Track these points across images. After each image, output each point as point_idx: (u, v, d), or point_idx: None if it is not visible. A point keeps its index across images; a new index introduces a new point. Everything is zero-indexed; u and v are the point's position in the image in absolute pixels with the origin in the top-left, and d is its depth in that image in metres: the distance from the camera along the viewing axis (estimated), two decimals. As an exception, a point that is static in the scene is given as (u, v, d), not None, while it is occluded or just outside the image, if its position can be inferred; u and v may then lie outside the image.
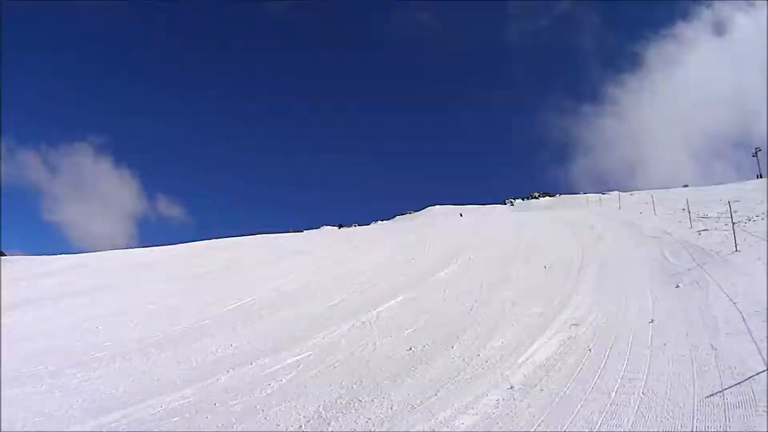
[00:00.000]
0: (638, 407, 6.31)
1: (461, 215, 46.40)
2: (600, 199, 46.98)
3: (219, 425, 7.04)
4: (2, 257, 36.05)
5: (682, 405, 6.20)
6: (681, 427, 5.68)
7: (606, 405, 6.50)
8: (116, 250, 34.05)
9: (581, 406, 6.57)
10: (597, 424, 6.01)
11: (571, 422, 6.13)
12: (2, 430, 7.18)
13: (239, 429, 6.91)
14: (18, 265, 27.53)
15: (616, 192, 54.37)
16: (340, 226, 62.13)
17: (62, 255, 32.09)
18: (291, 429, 6.79)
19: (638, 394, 6.70)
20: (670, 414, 5.99)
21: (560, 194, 76.96)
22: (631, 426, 5.85)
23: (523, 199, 79.98)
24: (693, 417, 5.87)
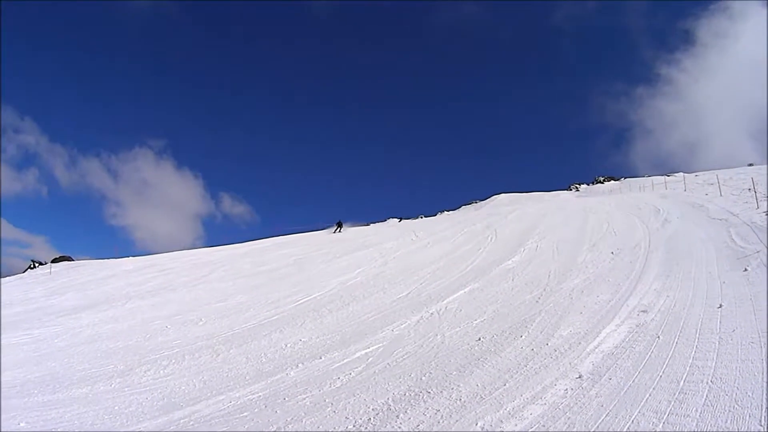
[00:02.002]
0: (707, 396, 6.41)
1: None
2: (665, 182, 46.20)
3: (288, 419, 7.35)
4: (69, 262, 37.83)
5: (750, 394, 6.29)
6: (749, 416, 5.77)
7: (674, 394, 6.62)
8: (183, 251, 35.22)
9: (650, 395, 6.69)
10: (665, 413, 6.12)
11: (639, 411, 6.26)
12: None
13: (308, 422, 7.19)
14: (86, 269, 28.92)
15: (681, 173, 53.34)
16: (401, 219, 61.80)
17: (129, 257, 33.48)
18: (360, 421, 7.04)
19: (707, 382, 6.79)
20: (739, 403, 6.10)
21: (625, 178, 75.90)
22: (699, 415, 5.95)
23: (588, 184, 79.10)
24: (761, 407, 5.95)
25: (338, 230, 41.33)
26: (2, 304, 19.72)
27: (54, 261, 41.50)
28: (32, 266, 42.36)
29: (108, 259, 35.07)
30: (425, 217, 63.20)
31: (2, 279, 31.40)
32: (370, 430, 6.80)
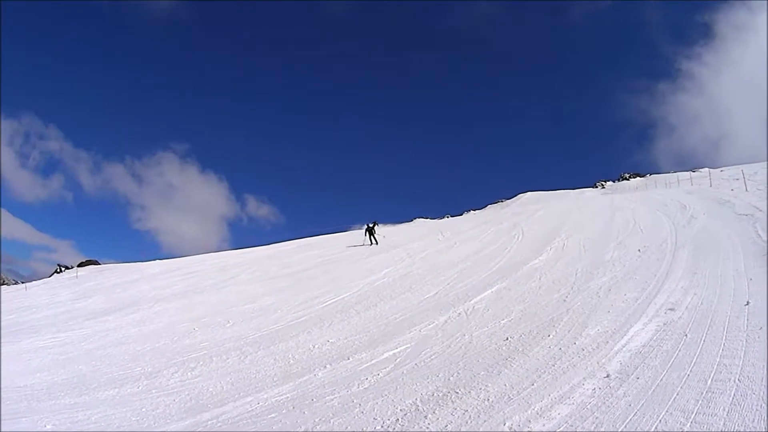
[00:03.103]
0: (734, 395, 6.45)
1: None
2: (690, 178, 46.00)
3: (316, 420, 7.46)
4: (95, 266, 38.47)
5: (779, 392, 6.30)
6: (777, 414, 5.79)
7: (702, 392, 6.65)
8: (209, 254, 35.64)
9: (677, 394, 6.73)
10: (693, 412, 6.17)
11: (666, 411, 6.31)
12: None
13: (336, 423, 7.30)
14: (113, 272, 29.44)
15: (707, 169, 52.93)
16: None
17: (155, 261, 33.96)
18: (388, 422, 7.14)
19: (734, 381, 6.82)
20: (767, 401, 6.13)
21: (650, 174, 75.43)
22: (727, 414, 6.00)
23: (614, 181, 78.83)
24: (790, 404, 5.96)
25: (371, 238, 29.80)
26: (29, 308, 20.25)
27: (80, 265, 42.34)
28: (59, 270, 43.29)
29: (134, 262, 35.68)
30: (452, 216, 63.41)
31: (29, 283, 32.15)
32: (399, 430, 6.91)
